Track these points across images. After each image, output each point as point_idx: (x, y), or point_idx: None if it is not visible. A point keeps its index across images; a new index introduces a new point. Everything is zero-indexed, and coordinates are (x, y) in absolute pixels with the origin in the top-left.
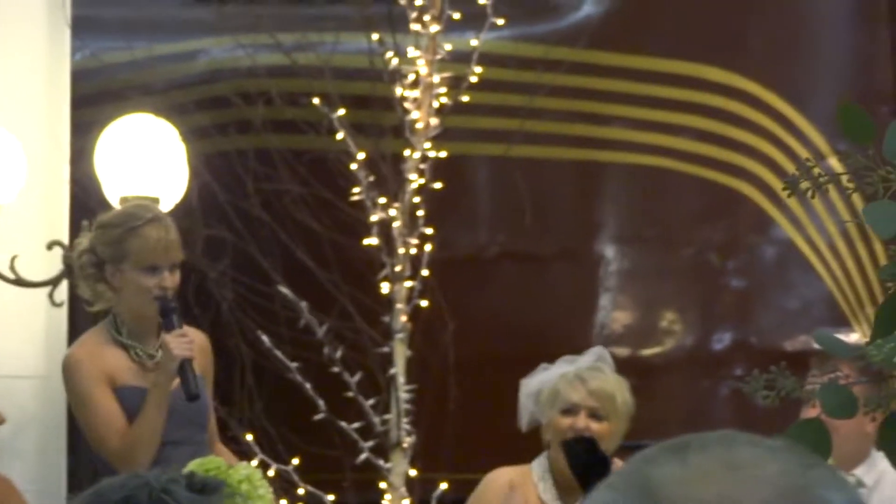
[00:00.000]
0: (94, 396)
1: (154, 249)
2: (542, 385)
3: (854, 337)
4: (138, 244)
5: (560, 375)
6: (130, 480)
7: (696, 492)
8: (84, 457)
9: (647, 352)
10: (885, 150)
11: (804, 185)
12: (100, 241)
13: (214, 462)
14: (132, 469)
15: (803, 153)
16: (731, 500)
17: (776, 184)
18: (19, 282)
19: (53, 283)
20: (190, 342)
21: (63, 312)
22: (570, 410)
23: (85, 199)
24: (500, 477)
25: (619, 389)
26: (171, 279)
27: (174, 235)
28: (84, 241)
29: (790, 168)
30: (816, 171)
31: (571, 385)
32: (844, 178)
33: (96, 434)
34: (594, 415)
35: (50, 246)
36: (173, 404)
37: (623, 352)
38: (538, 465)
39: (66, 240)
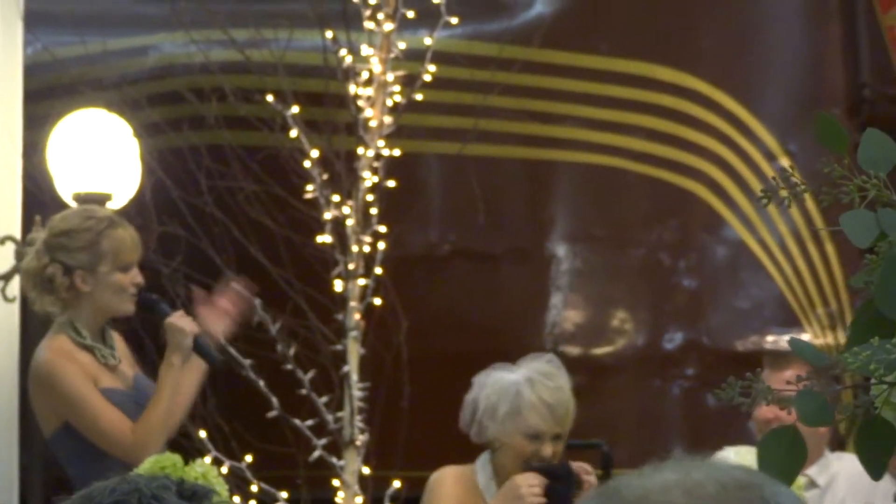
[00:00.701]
0: (91, 398)
1: (129, 248)
2: (497, 398)
3: (805, 338)
4: (113, 245)
5: (519, 394)
6: (121, 485)
7: (655, 481)
8: (36, 452)
9: (599, 351)
10: (859, 158)
11: (782, 193)
12: (67, 248)
13: (170, 459)
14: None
15: (754, 153)
16: (693, 480)
17: (727, 184)
18: None
19: (5, 277)
20: (190, 318)
21: (15, 307)
22: (535, 437)
23: (37, 193)
24: (448, 477)
25: (573, 404)
26: (139, 275)
27: (135, 232)
28: (35, 258)
29: (741, 168)
30: (794, 179)
31: (537, 411)
32: (810, 188)
33: (105, 434)
34: (556, 436)
35: (2, 241)
36: (124, 403)
37: (574, 351)
38: (482, 471)
39: (18, 234)
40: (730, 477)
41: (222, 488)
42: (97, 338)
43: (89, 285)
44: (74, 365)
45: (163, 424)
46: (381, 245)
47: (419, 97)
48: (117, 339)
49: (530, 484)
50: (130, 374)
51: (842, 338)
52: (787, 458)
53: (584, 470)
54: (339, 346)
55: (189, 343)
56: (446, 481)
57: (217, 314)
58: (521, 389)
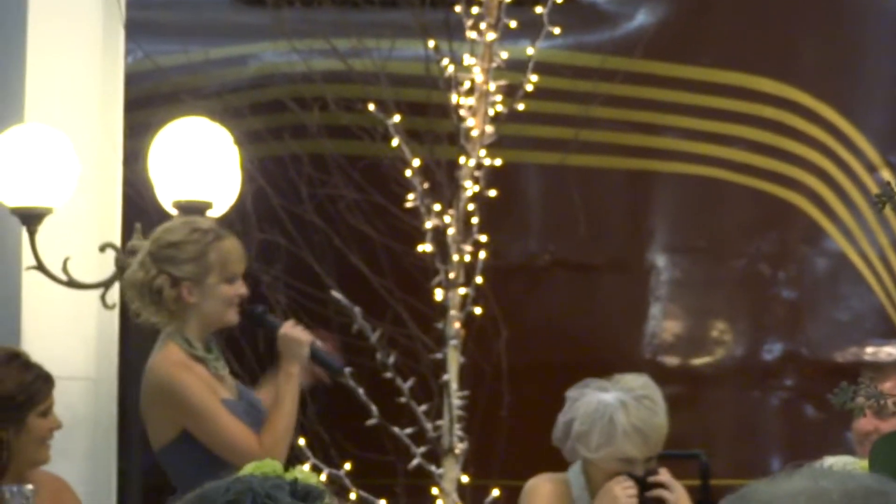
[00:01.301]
0: (216, 408)
1: (236, 259)
2: (590, 424)
3: None
4: (220, 257)
5: (613, 421)
6: (234, 485)
7: (783, 488)
8: (135, 459)
9: (698, 361)
10: None
11: (888, 203)
12: (174, 260)
13: (271, 465)
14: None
15: (856, 165)
16: (819, 488)
17: (828, 195)
18: (71, 283)
19: (105, 285)
20: (303, 328)
21: (115, 315)
22: (628, 462)
23: (138, 201)
24: (543, 485)
25: (666, 426)
26: (244, 287)
27: (240, 243)
28: (141, 270)
29: (842, 180)
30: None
31: (630, 440)
32: None
33: (232, 445)
34: (648, 460)
35: (102, 248)
36: (238, 414)
37: (673, 361)
38: (576, 481)
39: (118, 242)
40: (858, 485)
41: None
42: (204, 349)
43: (196, 297)
44: (194, 375)
45: (287, 434)
46: (482, 254)
47: (521, 107)
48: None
49: (624, 487)
50: (233, 384)
51: None
52: None
53: (668, 477)
54: (438, 355)
55: (306, 352)
56: (541, 489)
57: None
58: (614, 416)
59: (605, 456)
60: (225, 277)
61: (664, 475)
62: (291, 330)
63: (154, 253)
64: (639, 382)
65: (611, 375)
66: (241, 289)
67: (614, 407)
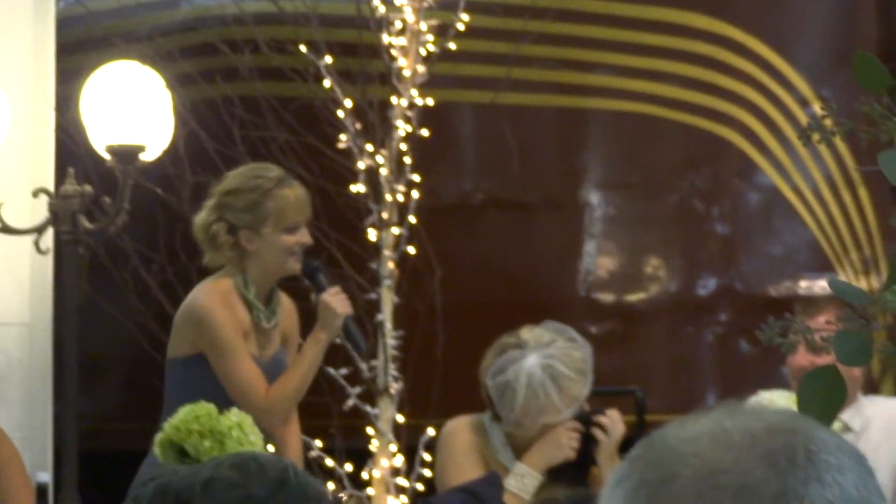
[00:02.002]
0: (240, 351)
1: (294, 208)
2: (514, 397)
3: None
4: (277, 205)
5: (537, 395)
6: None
7: (688, 431)
8: (71, 404)
9: (632, 298)
10: None
11: (816, 135)
12: (232, 207)
13: (205, 408)
14: (272, 426)
15: (787, 99)
16: (722, 429)
17: (761, 130)
18: (5, 229)
19: (39, 230)
20: (346, 299)
21: (49, 260)
22: (552, 424)
23: (71, 146)
24: (462, 434)
25: (589, 372)
26: (308, 235)
27: (305, 192)
28: (205, 213)
29: (775, 115)
30: (828, 121)
31: (556, 408)
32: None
33: (240, 389)
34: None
35: (35, 193)
36: (262, 371)
37: (608, 298)
38: (493, 433)
39: (51, 187)
40: (763, 424)
41: (257, 437)
42: (261, 297)
43: (254, 244)
44: (230, 312)
45: (295, 394)
46: (415, 194)
47: (452, 46)
48: (287, 309)
49: (570, 437)
50: (276, 345)
51: (875, 283)
52: (827, 397)
53: (613, 421)
54: (372, 295)
55: (339, 324)
56: (459, 439)
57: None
58: (546, 389)
59: (533, 423)
60: (283, 227)
61: (606, 417)
62: (333, 298)
63: (216, 198)
64: (560, 337)
65: (521, 334)
66: (303, 237)
67: (540, 378)
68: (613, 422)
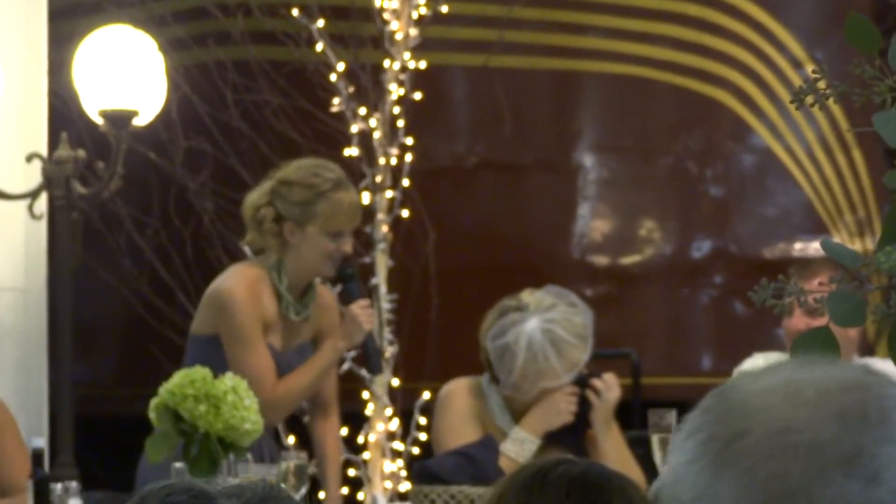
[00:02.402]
0: (255, 341)
1: (344, 215)
2: (514, 361)
3: None
4: (329, 209)
5: (539, 359)
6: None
7: (762, 384)
8: (65, 369)
9: (627, 260)
10: (890, 59)
11: (809, 98)
12: (284, 197)
13: (200, 372)
14: (271, 422)
15: (780, 61)
16: (793, 384)
17: (754, 92)
18: None
19: (32, 195)
20: (372, 314)
21: (42, 225)
22: (551, 388)
23: (64, 111)
24: (460, 397)
25: (589, 338)
26: (350, 243)
27: (357, 198)
28: (259, 194)
29: (768, 76)
30: (821, 84)
31: (556, 372)
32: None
33: (250, 378)
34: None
35: (29, 158)
36: (280, 364)
37: (602, 261)
38: (491, 396)
39: (44, 152)
40: (835, 380)
41: (252, 402)
42: (294, 291)
43: (296, 239)
44: (254, 300)
45: (301, 394)
46: (408, 157)
47: (444, 9)
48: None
49: (568, 402)
50: (303, 339)
51: (870, 244)
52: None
53: (608, 384)
54: (367, 259)
55: (360, 339)
56: (458, 393)
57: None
58: (546, 353)
59: (528, 385)
60: (328, 230)
61: (602, 381)
62: (361, 311)
63: (272, 183)
64: (561, 301)
65: (522, 297)
66: (344, 245)
67: (541, 343)
68: (609, 385)
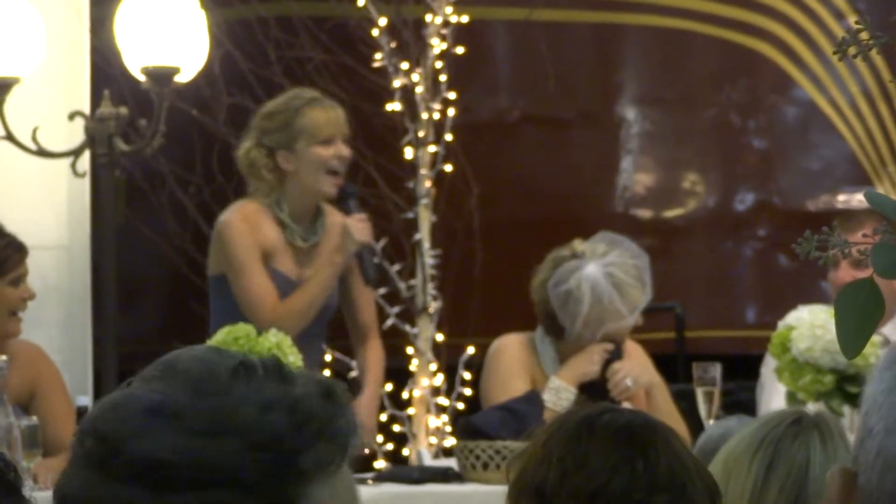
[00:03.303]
0: (249, 264)
1: (325, 122)
2: (575, 291)
3: None
4: (307, 121)
5: (595, 291)
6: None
7: None
8: (110, 326)
9: (670, 213)
10: None
11: (852, 49)
12: (266, 130)
13: (244, 329)
14: None
15: (823, 13)
16: None
17: (796, 44)
18: (41, 152)
19: (75, 153)
20: (369, 228)
21: (86, 183)
22: (609, 337)
23: (106, 68)
24: (512, 346)
25: (647, 281)
26: (346, 149)
27: (339, 111)
28: (246, 142)
29: (810, 28)
30: (864, 35)
31: (616, 307)
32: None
33: (248, 302)
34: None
35: (71, 116)
36: (282, 287)
37: (646, 214)
38: (544, 349)
39: (87, 110)
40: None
41: (297, 358)
42: (299, 218)
43: (292, 164)
44: (249, 229)
45: (303, 311)
46: (451, 112)
47: None
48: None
49: (604, 350)
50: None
51: None
52: (864, 310)
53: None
54: (410, 214)
55: (353, 250)
56: (508, 350)
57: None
58: (610, 295)
59: (588, 332)
60: (316, 140)
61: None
62: (355, 223)
63: (255, 124)
64: (618, 247)
65: (574, 246)
66: (341, 150)
67: (605, 287)
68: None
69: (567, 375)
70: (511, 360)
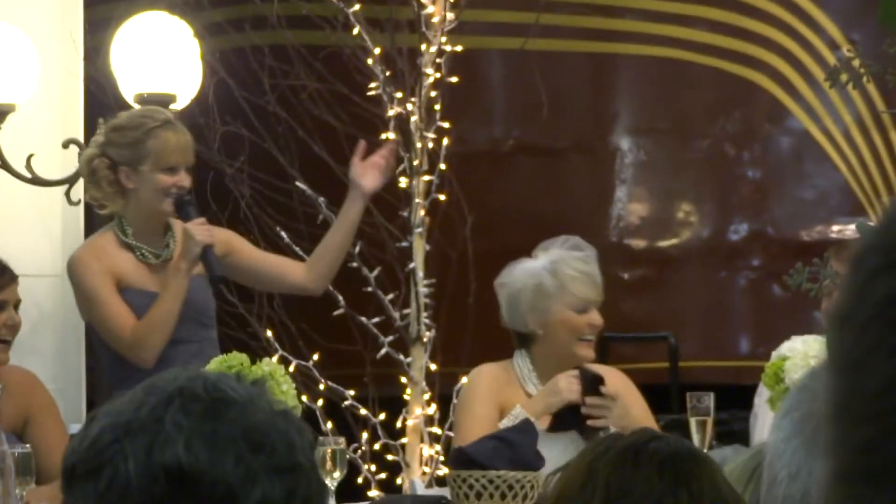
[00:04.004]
0: (102, 294)
1: (174, 150)
2: (537, 283)
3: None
4: (158, 145)
5: (558, 272)
6: (183, 373)
7: None
8: (103, 355)
9: (664, 243)
10: None
11: (843, 76)
12: (115, 143)
13: (237, 358)
14: (143, 360)
15: (818, 43)
16: None
17: (791, 74)
18: (35, 180)
19: (70, 181)
20: (209, 229)
21: (80, 211)
22: (583, 309)
23: (100, 96)
24: (485, 371)
25: (591, 273)
26: (188, 179)
27: (189, 138)
28: (93, 146)
29: (804, 58)
30: (856, 62)
31: (583, 283)
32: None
33: (107, 330)
34: (597, 306)
35: (66, 144)
36: (149, 305)
37: (640, 243)
38: (522, 364)
39: (81, 138)
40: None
41: (290, 386)
42: (146, 237)
43: (133, 183)
44: (98, 264)
45: (163, 323)
46: (445, 141)
47: None
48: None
49: (569, 381)
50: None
51: None
52: None
53: (600, 406)
54: (404, 243)
55: (197, 251)
56: (483, 375)
57: (370, 167)
58: (557, 268)
59: (560, 308)
60: (161, 167)
61: (608, 388)
62: (195, 227)
63: (102, 135)
64: (561, 243)
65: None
66: (182, 181)
67: (555, 262)
68: (615, 392)
69: (530, 406)
70: (479, 386)
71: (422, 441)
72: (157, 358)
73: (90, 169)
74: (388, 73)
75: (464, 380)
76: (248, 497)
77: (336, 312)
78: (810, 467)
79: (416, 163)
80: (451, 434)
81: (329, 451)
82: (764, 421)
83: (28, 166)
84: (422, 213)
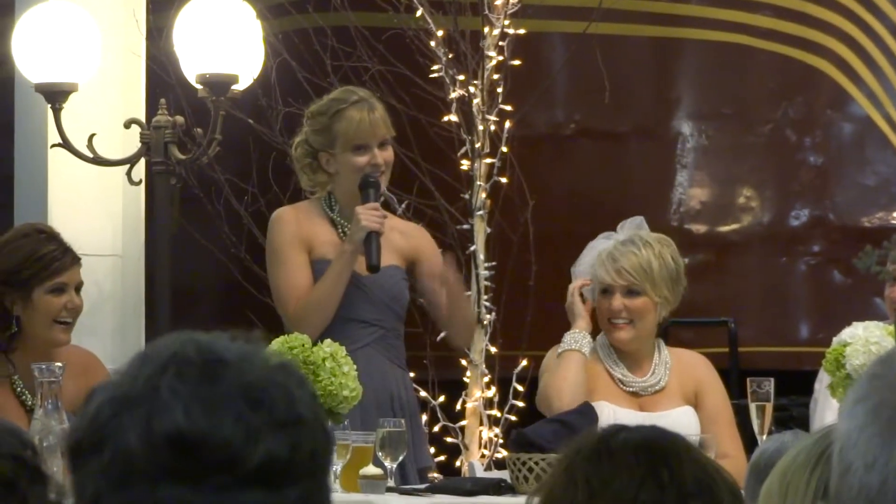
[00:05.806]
0: (284, 256)
1: (358, 129)
2: (588, 266)
3: None
4: (343, 126)
5: (595, 253)
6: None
7: None
8: (163, 335)
9: (725, 228)
10: None
11: None
12: (311, 130)
13: (299, 339)
14: (308, 334)
15: (881, 29)
16: None
17: (853, 59)
18: (97, 160)
19: (131, 161)
20: (381, 216)
21: (141, 191)
22: (606, 291)
23: (162, 76)
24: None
25: (655, 257)
26: (381, 155)
27: (379, 113)
28: (299, 135)
29: (867, 44)
30: None
31: (603, 266)
32: None
33: (279, 294)
34: (630, 291)
35: (128, 124)
36: (369, 285)
37: (700, 228)
38: (602, 344)
39: (143, 118)
40: None
41: (350, 368)
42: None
43: (333, 166)
44: (296, 226)
45: (319, 305)
46: (507, 124)
47: None
48: (403, 229)
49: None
50: (387, 264)
51: None
52: None
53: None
54: (465, 226)
55: (360, 237)
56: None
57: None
58: (600, 249)
59: (594, 295)
60: (350, 147)
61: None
62: (364, 211)
63: (305, 121)
64: (628, 226)
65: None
66: (374, 158)
67: (602, 244)
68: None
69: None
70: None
71: (481, 424)
72: (341, 335)
73: (297, 156)
74: (450, 56)
75: (523, 362)
76: (252, 455)
77: None
78: (888, 456)
79: (477, 145)
80: (511, 417)
81: (386, 432)
82: (824, 407)
83: (90, 146)
84: (483, 195)
